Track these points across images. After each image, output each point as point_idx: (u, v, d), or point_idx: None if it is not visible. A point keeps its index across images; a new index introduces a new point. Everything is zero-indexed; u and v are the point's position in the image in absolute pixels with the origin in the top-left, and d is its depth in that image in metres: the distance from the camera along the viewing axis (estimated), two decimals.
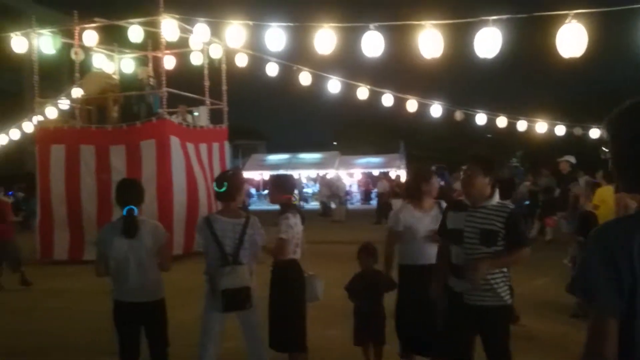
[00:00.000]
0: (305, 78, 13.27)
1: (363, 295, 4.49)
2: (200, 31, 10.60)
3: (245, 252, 3.83)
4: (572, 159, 12.62)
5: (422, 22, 7.35)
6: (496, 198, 3.33)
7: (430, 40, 7.43)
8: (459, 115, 15.76)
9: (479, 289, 3.23)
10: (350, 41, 8.59)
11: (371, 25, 7.83)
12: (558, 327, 6.12)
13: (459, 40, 8.22)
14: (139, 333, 3.81)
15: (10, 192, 20.45)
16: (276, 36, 8.88)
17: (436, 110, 14.76)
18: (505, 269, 3.33)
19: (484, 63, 7.59)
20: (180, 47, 13.39)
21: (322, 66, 13.34)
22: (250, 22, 9.41)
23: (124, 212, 3.75)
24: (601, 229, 1.53)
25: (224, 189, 3.92)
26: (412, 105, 14.39)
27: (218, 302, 3.75)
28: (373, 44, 7.92)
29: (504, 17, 7.02)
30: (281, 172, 31.79)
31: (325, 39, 8.02)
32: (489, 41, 7.01)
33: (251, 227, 3.89)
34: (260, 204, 28.49)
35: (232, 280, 3.72)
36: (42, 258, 11.95)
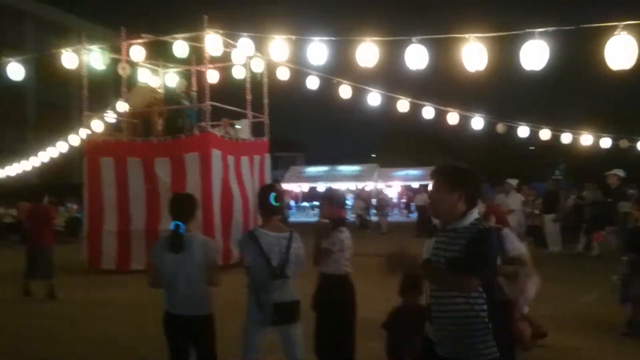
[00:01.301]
0: (345, 91, 13.32)
1: (405, 334, 4.01)
2: (244, 46, 10.77)
3: (291, 265, 3.86)
4: (621, 173, 12.29)
5: (466, 35, 7.30)
6: (471, 217, 2.74)
7: (474, 53, 7.36)
8: (501, 127, 15.53)
9: (449, 339, 2.67)
10: (391, 54, 8.62)
11: (414, 39, 7.81)
12: (608, 346, 5.95)
13: (504, 52, 8.13)
14: (187, 346, 3.87)
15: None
16: (318, 50, 8.96)
17: (478, 122, 14.58)
18: (483, 313, 2.60)
19: (528, 75, 7.48)
20: (223, 62, 13.63)
21: (362, 79, 13.39)
22: (293, 37, 9.53)
23: (172, 226, 3.82)
24: None
25: (280, 203, 3.98)
26: (453, 117, 14.26)
27: (263, 316, 3.78)
28: (416, 57, 7.91)
29: (551, 29, 6.91)
30: (320, 184, 31.96)
31: (367, 52, 8.03)
32: (535, 54, 6.91)
33: (295, 241, 3.93)
34: (299, 216, 28.61)
35: (283, 294, 3.76)
36: (90, 267, 12.27)
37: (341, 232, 4.39)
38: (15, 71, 10.97)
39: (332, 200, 4.59)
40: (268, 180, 15.14)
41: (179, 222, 3.81)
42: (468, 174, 2.83)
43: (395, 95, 14.14)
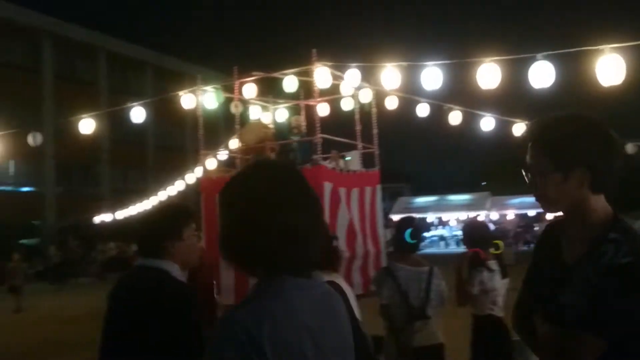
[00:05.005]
0: (455, 117, 12.84)
1: None
2: (352, 76, 10.67)
3: (431, 303, 3.48)
4: None
5: (601, 47, 6.66)
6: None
7: (610, 66, 6.70)
8: (631, 148, 14.29)
9: None
10: (511, 74, 8.10)
11: (539, 55, 7.27)
12: None
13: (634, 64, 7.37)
14: None
15: None
16: (432, 75, 8.64)
17: None
18: None
19: None
20: (332, 94, 13.65)
21: (473, 103, 12.85)
22: (405, 63, 9.28)
23: None
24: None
25: (416, 240, 3.63)
26: None
27: (401, 358, 3.42)
28: (541, 74, 7.35)
29: None
30: (429, 214, 31.16)
31: (488, 73, 7.58)
32: None
33: (436, 276, 3.56)
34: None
35: (424, 337, 3.38)
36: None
37: (479, 272, 3.89)
38: (137, 115, 11.60)
39: (467, 235, 4.16)
40: (379, 211, 14.82)
41: None
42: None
43: (511, 119, 13.44)
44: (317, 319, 1.29)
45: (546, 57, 7.26)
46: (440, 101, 13.02)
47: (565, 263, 1.63)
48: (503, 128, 13.35)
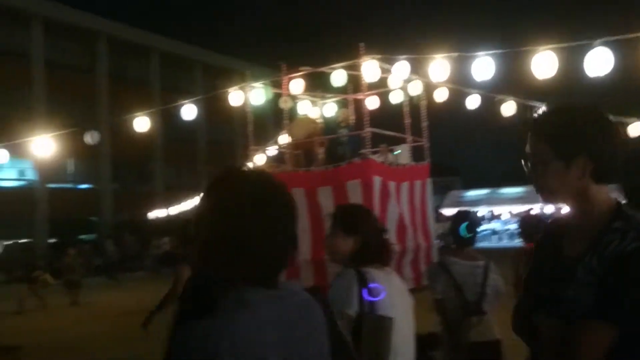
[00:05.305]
0: (508, 108, 12.51)
1: None
2: (400, 69, 10.55)
3: (487, 299, 3.40)
4: None
5: None
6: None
7: None
8: None
9: None
10: (566, 62, 7.83)
11: (596, 42, 7.00)
12: None
13: None
14: None
15: None
16: (483, 65, 8.45)
17: None
18: None
19: None
20: (380, 87, 13.55)
21: (526, 93, 12.50)
22: (455, 54, 9.10)
23: None
24: None
25: (472, 233, 3.56)
26: (635, 129, 12.73)
27: (459, 356, 3.35)
28: (598, 62, 7.07)
29: None
30: (481, 208, 30.57)
31: (544, 62, 7.35)
32: None
33: (492, 271, 3.47)
34: None
35: (480, 332, 3.30)
36: None
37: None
38: (188, 112, 11.81)
39: (523, 229, 4.06)
40: (430, 205, 14.66)
41: None
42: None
43: None
44: (286, 331, 1.25)
45: (604, 44, 6.98)
46: (492, 92, 12.73)
47: (567, 258, 1.58)
48: None
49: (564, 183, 1.55)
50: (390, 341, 2.15)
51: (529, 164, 1.63)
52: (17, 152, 12.71)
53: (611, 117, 1.62)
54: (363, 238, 2.38)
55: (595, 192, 1.55)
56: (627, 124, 12.14)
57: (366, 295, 2.20)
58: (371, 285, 2.23)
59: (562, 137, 1.55)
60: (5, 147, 12.28)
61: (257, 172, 1.40)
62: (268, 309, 1.24)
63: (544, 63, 7.30)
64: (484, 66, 8.30)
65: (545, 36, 7.74)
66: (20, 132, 14.11)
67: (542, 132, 1.60)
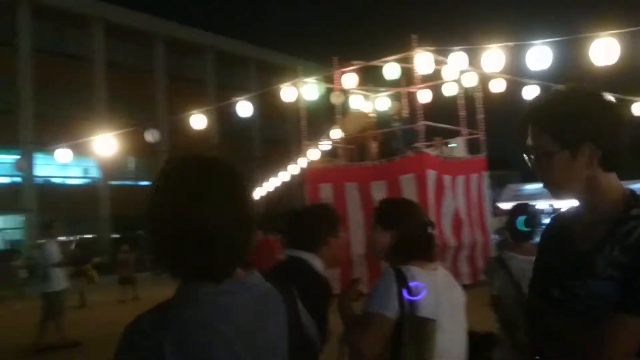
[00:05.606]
0: None
1: None
2: (456, 60, 10.36)
3: None
4: None
5: None
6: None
7: None
8: None
9: None
10: (629, 49, 7.48)
11: None
12: None
13: None
14: None
15: None
16: (540, 54, 8.18)
17: None
18: None
19: None
20: (433, 80, 13.35)
21: (586, 83, 12.03)
22: (511, 44, 8.86)
23: None
24: None
25: (531, 227, 3.46)
26: None
27: (517, 357, 3.27)
28: None
29: None
30: (540, 202, 29.72)
31: (603, 49, 7.06)
32: None
33: None
34: None
35: None
36: None
37: None
38: (243, 109, 11.96)
39: None
40: (486, 199, 14.36)
41: None
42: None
43: (630, 98, 12.47)
44: (237, 323, 1.23)
45: None
46: (550, 82, 12.33)
47: (579, 253, 1.47)
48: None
49: (572, 174, 1.46)
50: (434, 344, 2.06)
51: (532, 158, 1.54)
52: (81, 151, 13.23)
53: (617, 104, 1.54)
54: (401, 233, 2.29)
55: (605, 180, 1.47)
56: None
57: (406, 295, 2.09)
58: (411, 283, 2.12)
59: (565, 125, 1.45)
60: (69, 146, 12.82)
61: (204, 161, 1.33)
62: (218, 302, 1.23)
63: (604, 50, 7.01)
64: (540, 55, 8.05)
65: (605, 21, 7.43)
66: (84, 132, 14.67)
67: (542, 122, 1.50)
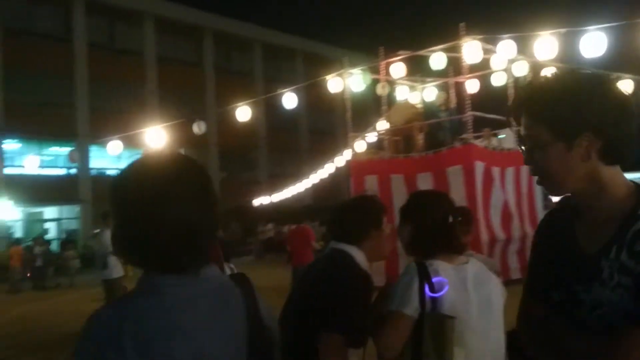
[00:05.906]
0: (625, 87, 11.60)
1: None
2: (505, 49, 10.11)
3: None
4: None
5: None
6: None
7: None
8: None
9: None
10: None
11: None
12: None
13: None
14: None
15: None
16: (594, 41, 7.90)
17: None
18: None
19: None
20: (482, 69, 13.07)
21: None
22: (563, 30, 8.58)
23: None
24: None
25: None
26: None
27: None
28: None
29: None
30: None
31: None
32: None
33: None
34: None
35: None
36: None
37: None
38: (289, 100, 12.02)
39: None
40: (537, 192, 13.98)
41: None
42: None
43: None
44: (196, 316, 1.25)
45: None
46: (606, 69, 11.88)
47: (583, 255, 1.34)
48: None
49: (568, 168, 1.31)
50: (452, 343, 1.94)
51: (525, 149, 1.39)
52: (132, 143, 13.59)
53: (619, 88, 1.35)
54: (417, 226, 2.21)
55: (608, 175, 1.32)
56: None
57: (428, 292, 1.99)
58: (435, 279, 2.00)
59: (559, 113, 1.30)
60: (121, 138, 13.18)
61: (171, 158, 1.40)
62: (178, 294, 1.25)
63: None
64: (594, 42, 7.77)
65: None
66: (135, 124, 15.06)
67: (535, 110, 1.34)
